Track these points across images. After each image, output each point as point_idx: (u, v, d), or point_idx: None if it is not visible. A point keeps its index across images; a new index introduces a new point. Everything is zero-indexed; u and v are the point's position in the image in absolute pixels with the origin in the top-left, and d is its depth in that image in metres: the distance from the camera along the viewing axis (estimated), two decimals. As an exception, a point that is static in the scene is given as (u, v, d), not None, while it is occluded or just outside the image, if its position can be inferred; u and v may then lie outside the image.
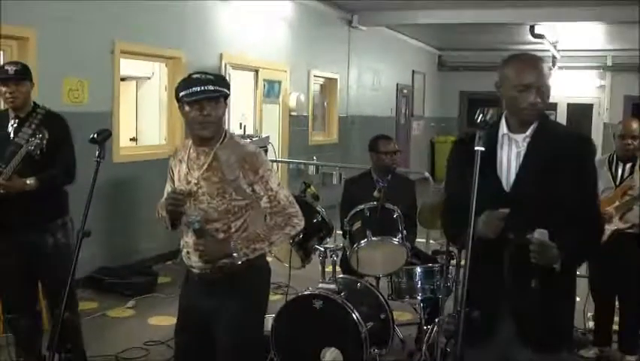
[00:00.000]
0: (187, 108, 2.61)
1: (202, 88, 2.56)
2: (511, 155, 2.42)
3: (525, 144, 2.40)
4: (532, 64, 2.39)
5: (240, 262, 2.60)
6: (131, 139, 7.57)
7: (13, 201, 3.49)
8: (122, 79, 6.73)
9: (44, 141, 3.47)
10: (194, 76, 2.62)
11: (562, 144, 2.38)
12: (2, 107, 3.94)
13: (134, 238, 6.60)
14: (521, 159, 2.39)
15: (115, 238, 6.34)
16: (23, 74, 3.66)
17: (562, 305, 2.46)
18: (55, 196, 3.74)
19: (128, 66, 6.81)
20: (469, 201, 2.22)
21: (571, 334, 2.66)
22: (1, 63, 5.30)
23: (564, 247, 2.25)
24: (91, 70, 5.91)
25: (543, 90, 2.35)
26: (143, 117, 7.69)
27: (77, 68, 5.77)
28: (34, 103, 3.76)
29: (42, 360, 3.88)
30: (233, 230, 2.67)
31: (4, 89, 3.64)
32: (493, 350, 2.43)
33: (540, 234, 2.22)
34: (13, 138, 3.57)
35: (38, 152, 3.46)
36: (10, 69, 3.65)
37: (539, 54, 11.99)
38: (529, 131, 2.40)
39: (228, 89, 2.65)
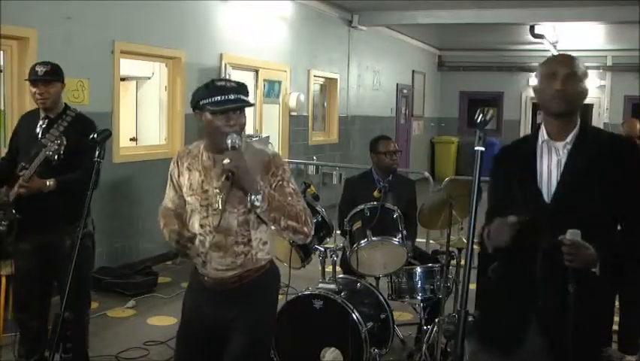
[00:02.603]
0: (209, 117, 2.51)
1: (227, 97, 2.49)
2: (551, 164, 2.35)
3: (565, 152, 2.33)
4: (561, 56, 2.38)
5: (257, 204, 2.41)
6: (131, 139, 7.56)
7: (34, 202, 3.51)
8: (122, 79, 6.73)
9: (62, 148, 3.46)
10: (219, 84, 2.53)
11: (604, 149, 2.30)
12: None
13: (134, 238, 6.60)
14: (562, 167, 2.32)
15: (115, 238, 6.34)
16: (53, 74, 3.66)
17: (598, 321, 2.32)
18: (75, 198, 3.73)
19: (128, 66, 6.81)
20: (511, 212, 2.18)
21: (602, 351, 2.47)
22: (2, 63, 5.32)
23: (604, 250, 2.16)
24: (91, 70, 5.91)
25: (571, 81, 2.29)
26: (143, 117, 7.68)
27: (77, 68, 5.76)
28: (66, 105, 3.76)
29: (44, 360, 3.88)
30: (254, 242, 2.62)
31: (33, 89, 3.65)
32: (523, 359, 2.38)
33: (572, 234, 2.13)
34: (40, 138, 3.58)
35: (56, 157, 3.46)
36: (40, 70, 3.65)
37: (539, 54, 11.97)
38: (569, 138, 2.33)
39: (248, 96, 2.58)
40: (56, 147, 3.45)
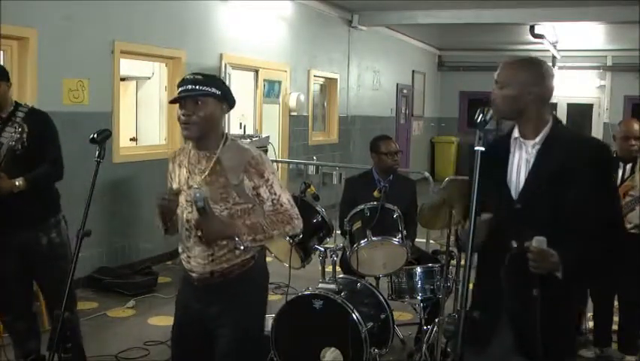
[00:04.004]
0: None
1: (184, 87, 2.56)
2: (521, 161, 2.39)
3: (534, 152, 2.36)
4: (506, 62, 2.44)
5: (241, 247, 2.54)
6: (131, 139, 7.57)
7: (4, 201, 3.48)
8: (122, 79, 6.73)
9: (24, 135, 3.41)
10: (185, 76, 2.62)
11: (574, 151, 2.31)
12: None
13: (134, 238, 6.60)
14: (530, 166, 2.36)
15: (115, 238, 6.34)
16: None
17: (562, 318, 2.38)
18: (46, 195, 3.72)
19: (128, 66, 6.81)
20: (481, 204, 2.21)
21: (571, 346, 2.55)
22: (2, 63, 5.31)
23: (567, 255, 2.19)
24: (91, 70, 5.91)
25: (497, 88, 2.37)
26: (143, 117, 7.69)
27: (77, 68, 5.77)
28: (16, 102, 3.74)
29: (41, 360, 3.88)
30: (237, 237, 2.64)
31: None
32: (494, 355, 2.41)
33: (538, 242, 2.16)
34: None
35: (20, 146, 3.41)
36: None
37: (539, 54, 11.99)
38: (538, 138, 2.36)
39: (219, 88, 2.60)
40: (18, 135, 3.40)
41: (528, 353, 2.35)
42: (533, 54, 14.49)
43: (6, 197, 3.47)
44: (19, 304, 3.79)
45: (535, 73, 2.38)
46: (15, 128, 3.44)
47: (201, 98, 2.56)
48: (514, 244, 2.27)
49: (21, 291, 3.78)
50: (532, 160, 2.36)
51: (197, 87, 2.56)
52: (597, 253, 2.32)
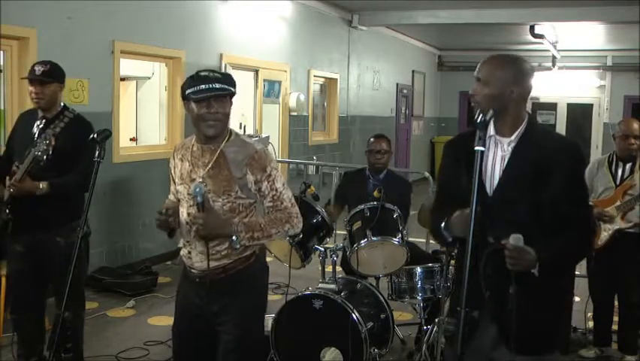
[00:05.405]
0: (194, 106, 2.60)
1: (209, 86, 2.57)
2: (496, 158, 2.42)
3: (510, 149, 2.39)
4: (487, 59, 2.45)
5: (237, 247, 2.56)
6: (131, 139, 7.57)
7: (27, 203, 3.49)
8: (122, 79, 6.73)
9: (50, 148, 3.42)
10: (202, 74, 2.62)
11: (548, 149, 2.36)
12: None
13: (134, 238, 6.60)
14: (505, 163, 2.39)
15: (115, 238, 6.34)
16: (49, 75, 3.63)
17: (545, 309, 2.41)
18: (70, 199, 3.71)
19: (128, 66, 6.81)
20: (454, 198, 2.27)
21: (558, 335, 2.58)
22: (1, 64, 5.32)
23: (542, 252, 2.23)
24: (91, 70, 5.91)
25: (476, 85, 2.40)
26: (143, 117, 7.69)
27: (77, 68, 5.76)
28: (65, 105, 3.74)
29: (43, 360, 3.88)
30: None
31: (30, 88, 3.65)
32: (478, 351, 2.41)
33: (515, 239, 2.19)
34: (37, 139, 3.55)
35: (44, 157, 3.42)
36: (38, 69, 3.64)
37: (539, 54, 11.94)
38: (514, 136, 2.39)
39: (234, 87, 2.65)
40: (45, 147, 3.41)
41: (509, 342, 2.38)
42: (533, 54, 14.44)
43: (30, 199, 3.48)
44: (30, 304, 3.79)
45: (516, 72, 2.40)
46: (44, 139, 3.44)
47: (227, 96, 2.62)
48: (491, 240, 2.29)
49: (34, 292, 3.78)
50: (507, 157, 2.39)
51: (223, 85, 2.59)
52: (571, 250, 2.41)
